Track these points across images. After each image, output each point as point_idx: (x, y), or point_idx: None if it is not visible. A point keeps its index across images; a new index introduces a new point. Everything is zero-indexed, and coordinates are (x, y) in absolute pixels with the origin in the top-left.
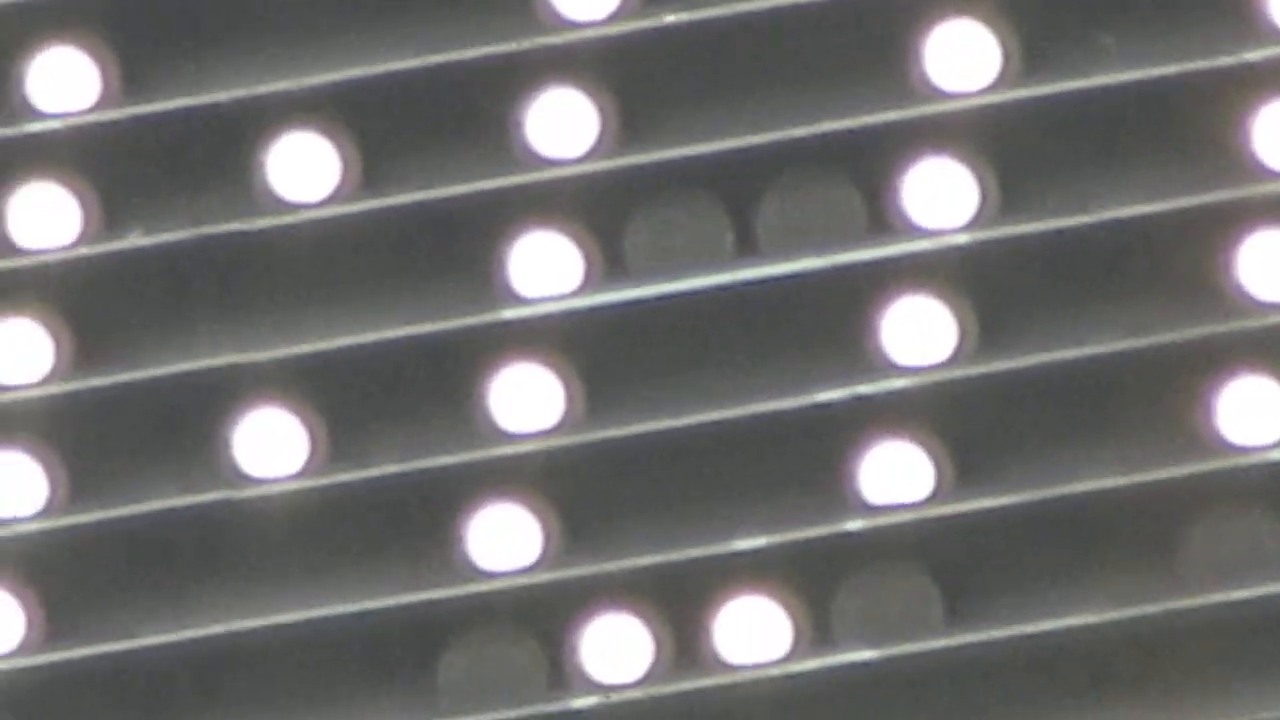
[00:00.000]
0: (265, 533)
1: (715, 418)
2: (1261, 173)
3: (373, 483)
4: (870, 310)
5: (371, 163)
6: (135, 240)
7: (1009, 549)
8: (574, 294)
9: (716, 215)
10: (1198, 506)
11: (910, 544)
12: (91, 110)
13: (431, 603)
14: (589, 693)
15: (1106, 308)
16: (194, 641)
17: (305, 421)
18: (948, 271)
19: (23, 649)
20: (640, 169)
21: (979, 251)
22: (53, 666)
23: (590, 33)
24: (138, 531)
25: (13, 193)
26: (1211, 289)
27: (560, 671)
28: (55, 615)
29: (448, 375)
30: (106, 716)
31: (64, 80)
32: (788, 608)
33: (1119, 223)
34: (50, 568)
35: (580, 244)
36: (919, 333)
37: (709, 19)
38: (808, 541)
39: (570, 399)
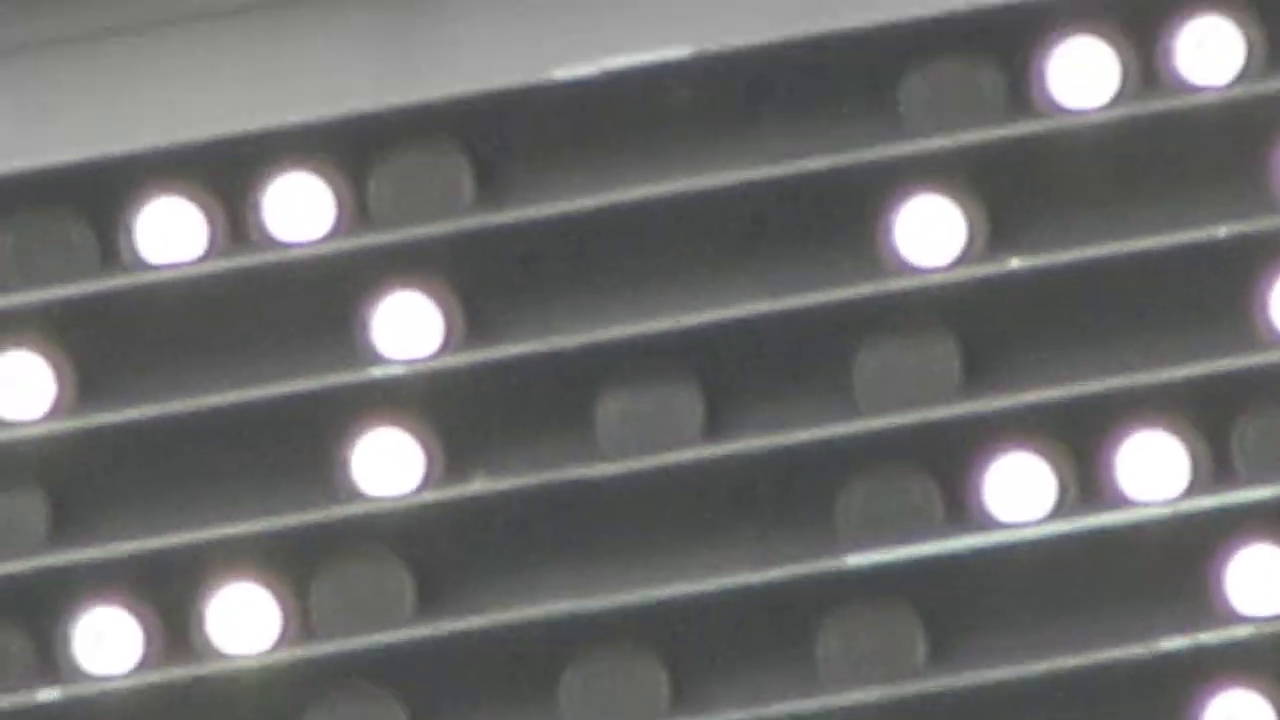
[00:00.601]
0: None
1: (1052, 667)
2: None
3: None
4: (1213, 558)
5: (714, 409)
6: (479, 486)
7: None
8: (913, 540)
9: (1060, 461)
10: None
11: None
12: (435, 355)
13: None
14: None
15: None
16: None
17: (648, 669)
18: None
19: None
20: (983, 418)
21: None
22: None
23: (935, 278)
24: None
25: (357, 439)
26: None
27: None
28: None
29: (788, 618)
30: None
31: (408, 325)
32: None
33: None
34: None
35: (923, 490)
36: (1260, 580)
37: (1054, 264)
38: None
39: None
